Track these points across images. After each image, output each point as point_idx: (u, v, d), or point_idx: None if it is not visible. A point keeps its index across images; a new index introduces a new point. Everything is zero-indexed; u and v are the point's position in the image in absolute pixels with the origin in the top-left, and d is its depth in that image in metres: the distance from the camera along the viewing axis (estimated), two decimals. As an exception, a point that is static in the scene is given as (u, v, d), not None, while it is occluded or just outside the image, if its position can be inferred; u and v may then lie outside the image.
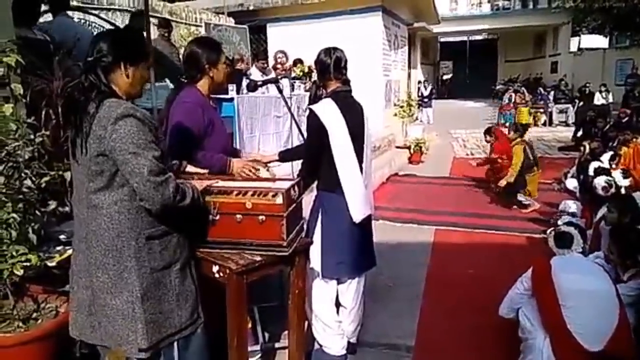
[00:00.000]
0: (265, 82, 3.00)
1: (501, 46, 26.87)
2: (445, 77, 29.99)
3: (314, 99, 2.74)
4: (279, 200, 2.04)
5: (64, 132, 1.73)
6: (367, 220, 2.78)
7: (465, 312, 3.50)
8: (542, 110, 14.91)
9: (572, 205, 4.91)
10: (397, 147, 10.11)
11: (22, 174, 2.32)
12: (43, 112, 2.75)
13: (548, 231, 4.48)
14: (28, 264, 2.15)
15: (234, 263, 2.02)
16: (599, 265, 2.67)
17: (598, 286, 2.49)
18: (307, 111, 2.70)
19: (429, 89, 16.14)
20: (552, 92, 15.55)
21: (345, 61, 2.76)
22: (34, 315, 2.26)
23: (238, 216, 2.06)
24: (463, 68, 28.44)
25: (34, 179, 2.36)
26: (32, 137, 2.35)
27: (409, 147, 9.73)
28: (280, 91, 2.91)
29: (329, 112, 2.61)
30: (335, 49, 2.77)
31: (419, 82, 16.51)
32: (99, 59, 1.69)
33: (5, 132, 2.33)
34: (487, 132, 7.10)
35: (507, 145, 6.56)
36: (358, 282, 2.84)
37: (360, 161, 2.69)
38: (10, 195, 2.13)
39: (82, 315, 1.75)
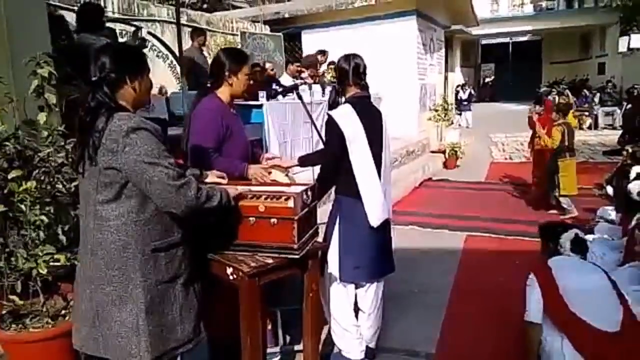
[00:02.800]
0: (285, 90, 3.05)
1: (545, 47, 26.02)
2: (487, 79, 29.34)
3: (333, 105, 2.77)
4: (291, 203, 2.07)
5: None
6: (385, 225, 2.78)
7: (490, 321, 3.42)
8: (587, 113, 14.34)
9: (611, 212, 4.70)
10: (432, 152, 9.98)
11: (54, 179, 2.47)
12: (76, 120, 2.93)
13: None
14: (57, 263, 2.29)
15: (246, 265, 2.07)
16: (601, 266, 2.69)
17: (598, 284, 2.53)
18: (326, 116, 2.73)
19: (467, 92, 15.83)
20: (597, 95, 14.93)
21: (364, 67, 2.77)
22: (63, 312, 2.39)
23: (251, 219, 2.12)
24: (506, 70, 27.70)
25: (64, 183, 2.51)
26: (63, 143, 2.49)
27: (444, 152, 9.58)
28: (300, 97, 2.96)
29: (347, 118, 2.63)
30: (354, 55, 2.79)
31: (457, 85, 16.22)
32: (104, 76, 1.69)
33: (39, 139, 2.49)
34: (538, 101, 6.85)
35: (549, 121, 6.38)
36: (377, 287, 2.84)
37: (379, 167, 2.70)
38: (40, 199, 2.26)
39: (85, 326, 1.74)
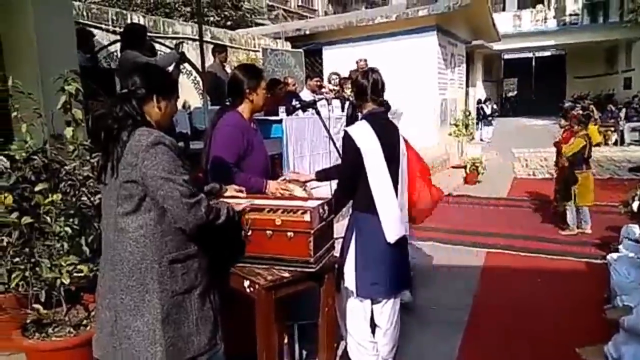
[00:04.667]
0: (303, 106, 3.09)
1: (569, 62, 25.68)
2: (509, 94, 29.12)
3: (350, 120, 2.79)
4: (307, 217, 2.10)
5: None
6: (402, 241, 2.77)
7: (510, 341, 3.35)
8: (612, 128, 14.06)
9: (636, 230, 4.58)
10: (453, 167, 9.93)
11: (79, 191, 2.55)
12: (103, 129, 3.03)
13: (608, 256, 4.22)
14: (80, 274, 2.35)
15: (262, 278, 2.09)
16: None
17: None
18: (342, 133, 2.76)
19: (490, 107, 15.75)
20: (623, 110, 14.64)
21: (383, 83, 2.78)
22: (85, 322, 2.44)
23: (268, 232, 2.15)
24: (529, 85, 27.43)
25: (89, 195, 2.59)
26: (88, 157, 2.57)
27: (464, 167, 9.52)
28: (318, 113, 3.01)
29: (363, 134, 2.65)
30: (372, 70, 2.80)
31: (479, 100, 16.13)
32: (134, 91, 1.79)
33: (66, 153, 2.58)
34: (564, 116, 6.78)
35: (571, 134, 6.30)
36: (393, 303, 2.82)
37: (395, 183, 2.70)
38: (64, 211, 2.34)
39: (105, 335, 1.79)
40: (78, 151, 2.50)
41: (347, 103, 5.80)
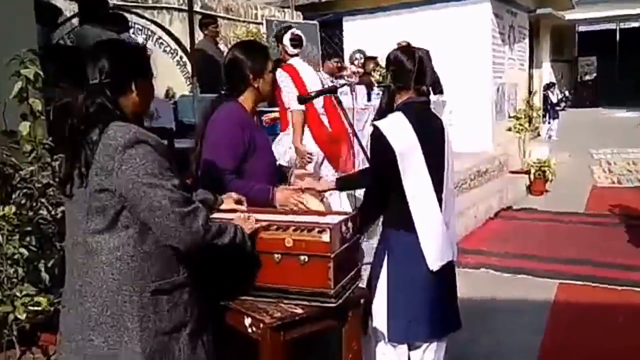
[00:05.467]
0: (320, 93, 3.10)
1: (665, 35, 25.44)
2: (586, 77, 28.91)
3: (385, 112, 2.77)
4: (326, 237, 2.09)
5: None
6: (448, 268, 2.76)
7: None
8: None
9: None
10: (512, 172, 9.89)
11: (37, 203, 2.59)
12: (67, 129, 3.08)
13: None
14: (37, 307, 2.38)
15: (268, 316, 2.10)
16: None
17: None
18: (371, 128, 2.76)
19: (555, 93, 15.66)
20: None
21: (432, 70, 2.76)
22: (43, 368, 2.48)
23: (276, 256, 2.15)
24: (611, 65, 27.20)
25: (50, 208, 2.63)
26: (49, 160, 2.62)
27: (528, 172, 9.45)
28: (339, 103, 3.02)
29: (397, 129, 2.65)
30: (419, 48, 2.80)
31: (545, 85, 16.04)
32: (106, 80, 1.79)
33: (21, 154, 2.62)
34: None
35: None
36: (437, 349, 2.81)
37: (440, 192, 2.70)
38: (19, 228, 2.37)
39: None
40: (36, 152, 2.54)
41: (382, 89, 5.81)
